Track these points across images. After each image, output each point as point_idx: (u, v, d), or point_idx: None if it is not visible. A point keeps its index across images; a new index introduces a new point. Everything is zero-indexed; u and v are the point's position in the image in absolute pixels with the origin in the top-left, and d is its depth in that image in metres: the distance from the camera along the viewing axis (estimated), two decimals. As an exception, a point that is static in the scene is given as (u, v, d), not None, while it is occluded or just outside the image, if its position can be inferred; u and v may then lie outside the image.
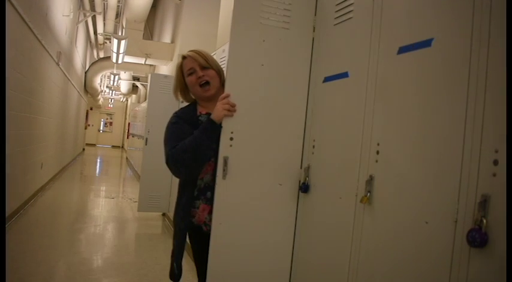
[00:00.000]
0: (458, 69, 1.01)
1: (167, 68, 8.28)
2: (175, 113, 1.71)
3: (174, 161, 1.56)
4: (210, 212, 1.60)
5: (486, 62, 0.94)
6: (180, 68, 1.70)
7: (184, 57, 1.70)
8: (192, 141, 1.54)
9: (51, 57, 6.12)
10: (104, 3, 9.17)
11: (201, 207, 1.63)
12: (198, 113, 1.68)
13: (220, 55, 2.86)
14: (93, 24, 11.92)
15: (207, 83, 1.65)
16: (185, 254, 1.69)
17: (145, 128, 5.02)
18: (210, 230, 1.59)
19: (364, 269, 1.30)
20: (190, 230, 1.65)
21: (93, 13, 9.59)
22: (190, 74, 1.66)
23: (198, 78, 1.64)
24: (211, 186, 1.60)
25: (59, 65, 6.84)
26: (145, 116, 5.10)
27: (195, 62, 1.65)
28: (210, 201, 1.61)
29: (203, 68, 1.65)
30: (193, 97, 1.75)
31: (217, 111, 1.55)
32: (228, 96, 1.56)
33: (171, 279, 1.68)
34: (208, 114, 1.64)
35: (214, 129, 1.56)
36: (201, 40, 6.02)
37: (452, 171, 1.00)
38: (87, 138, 17.82)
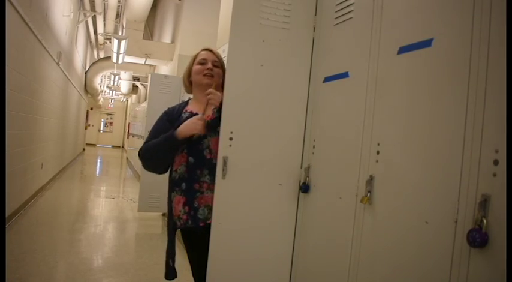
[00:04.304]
0: (458, 69, 1.01)
1: (167, 68, 8.28)
2: (168, 108, 1.77)
3: (140, 155, 1.69)
4: (185, 204, 1.61)
5: (486, 62, 0.93)
6: (194, 57, 1.75)
7: (205, 49, 1.75)
8: (156, 144, 1.62)
9: (51, 57, 6.12)
10: (104, 3, 9.16)
11: (176, 199, 1.64)
12: (184, 110, 1.70)
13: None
14: (93, 24, 11.92)
15: (211, 75, 1.69)
16: (184, 254, 1.69)
17: (145, 128, 5.02)
18: (184, 225, 1.60)
19: (364, 269, 1.30)
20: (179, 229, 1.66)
21: (93, 13, 9.58)
22: (200, 63, 1.71)
23: (205, 69, 1.69)
24: (185, 178, 1.62)
25: (59, 65, 6.84)
26: (146, 116, 5.10)
27: (211, 56, 1.72)
28: (185, 193, 1.61)
29: (215, 65, 1.70)
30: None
31: (187, 126, 1.57)
32: (212, 92, 1.58)
33: (166, 278, 1.69)
34: (192, 113, 1.66)
35: (172, 142, 1.58)
36: (201, 40, 6.00)
37: (452, 171, 1.00)
38: (87, 138, 17.82)
